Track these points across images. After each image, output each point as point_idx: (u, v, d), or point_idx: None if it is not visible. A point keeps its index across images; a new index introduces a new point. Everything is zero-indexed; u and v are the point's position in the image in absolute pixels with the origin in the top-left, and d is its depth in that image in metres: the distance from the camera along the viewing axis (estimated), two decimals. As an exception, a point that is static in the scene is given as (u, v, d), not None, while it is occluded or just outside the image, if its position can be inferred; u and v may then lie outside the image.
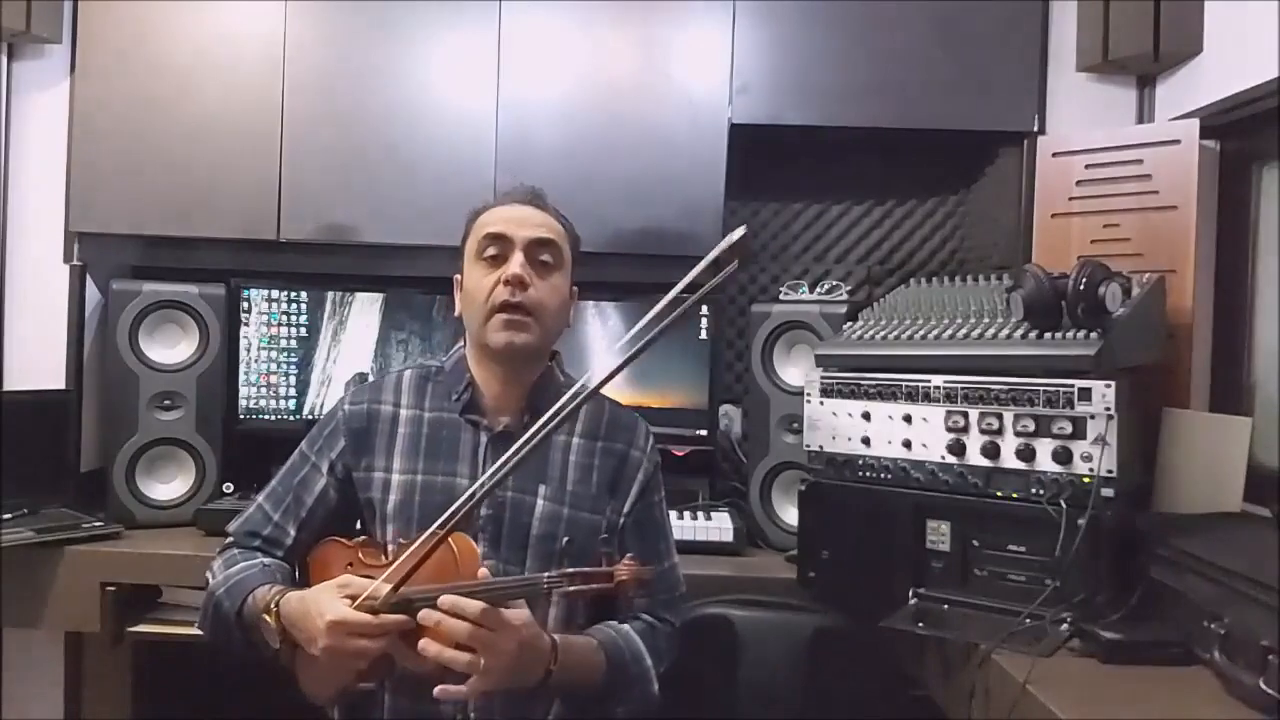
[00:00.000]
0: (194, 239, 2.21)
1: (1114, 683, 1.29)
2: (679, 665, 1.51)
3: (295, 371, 2.27)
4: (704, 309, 2.22)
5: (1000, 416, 1.55)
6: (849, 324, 1.85)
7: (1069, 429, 1.49)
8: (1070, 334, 1.54)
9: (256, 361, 2.25)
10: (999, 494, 1.56)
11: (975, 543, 1.59)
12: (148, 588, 1.98)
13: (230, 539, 1.48)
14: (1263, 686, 1.14)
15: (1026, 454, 1.52)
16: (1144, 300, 1.65)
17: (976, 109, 2.18)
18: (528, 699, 1.36)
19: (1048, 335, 1.56)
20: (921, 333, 1.70)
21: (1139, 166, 1.96)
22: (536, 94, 2.17)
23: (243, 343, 2.23)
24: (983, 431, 1.57)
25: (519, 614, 1.24)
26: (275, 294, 2.25)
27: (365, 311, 2.29)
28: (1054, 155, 2.10)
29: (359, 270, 2.30)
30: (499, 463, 1.20)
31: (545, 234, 1.43)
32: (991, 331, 1.63)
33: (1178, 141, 1.91)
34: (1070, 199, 2.06)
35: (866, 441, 1.69)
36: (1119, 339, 1.52)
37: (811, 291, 2.17)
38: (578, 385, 1.22)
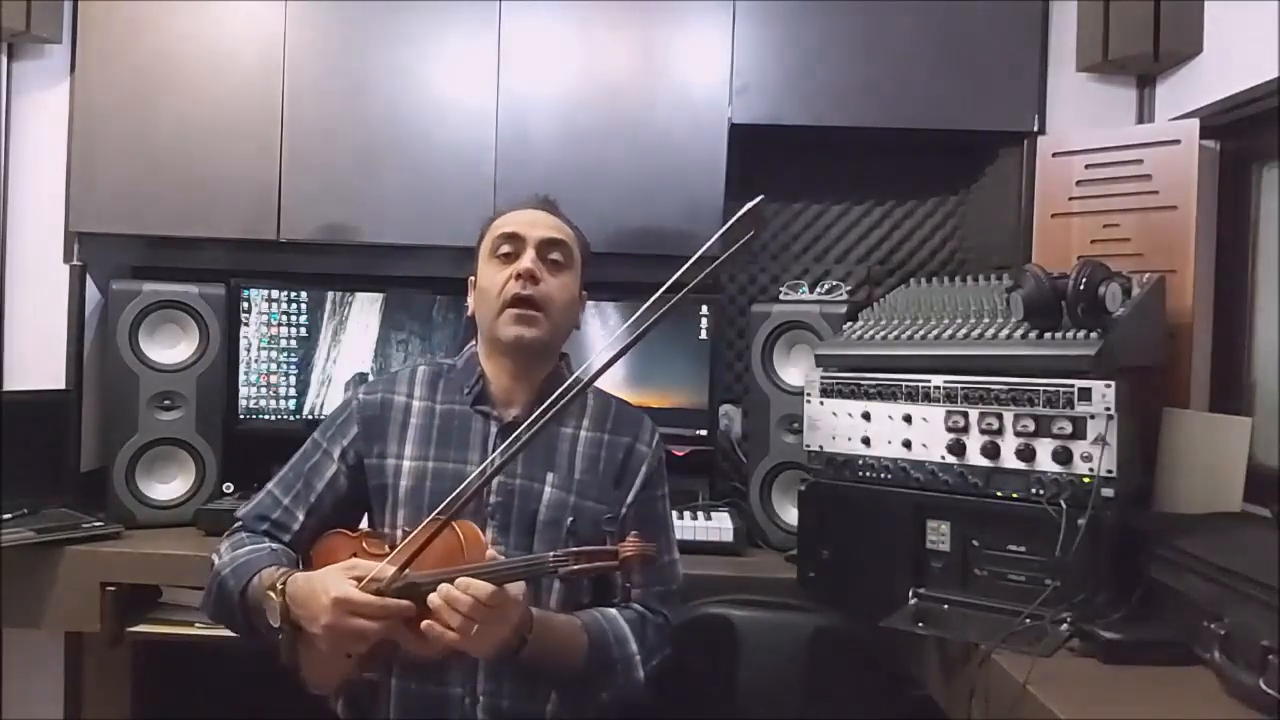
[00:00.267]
0: (194, 239, 2.21)
1: (1114, 683, 1.29)
2: (679, 665, 1.51)
3: (295, 371, 2.27)
4: (704, 309, 2.22)
5: (1000, 416, 1.55)
6: (849, 324, 1.85)
7: (1069, 429, 1.49)
8: (1070, 334, 1.54)
9: (256, 361, 2.25)
10: (999, 494, 1.56)
11: (975, 543, 1.59)
12: (148, 588, 1.98)
13: (238, 523, 1.51)
14: (1263, 686, 1.14)
15: (1026, 454, 1.52)
16: (1144, 300, 1.65)
17: (976, 109, 2.18)
18: (531, 684, 1.39)
19: (1048, 335, 1.55)
20: (921, 333, 1.70)
21: (1139, 166, 1.96)
22: (536, 94, 2.17)
23: (243, 343, 2.23)
24: (983, 431, 1.57)
25: (518, 587, 1.28)
26: (275, 294, 2.26)
27: (365, 311, 2.29)
28: (1054, 155, 2.10)
29: (359, 270, 2.30)
30: (505, 444, 1.24)
31: (557, 234, 1.51)
32: (991, 331, 1.63)
33: (1178, 141, 1.91)
34: (1070, 199, 2.06)
35: (866, 441, 1.69)
36: (1119, 339, 1.52)
37: (811, 291, 2.17)
38: (590, 362, 1.30)
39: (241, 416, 2.24)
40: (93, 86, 2.15)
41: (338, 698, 1.46)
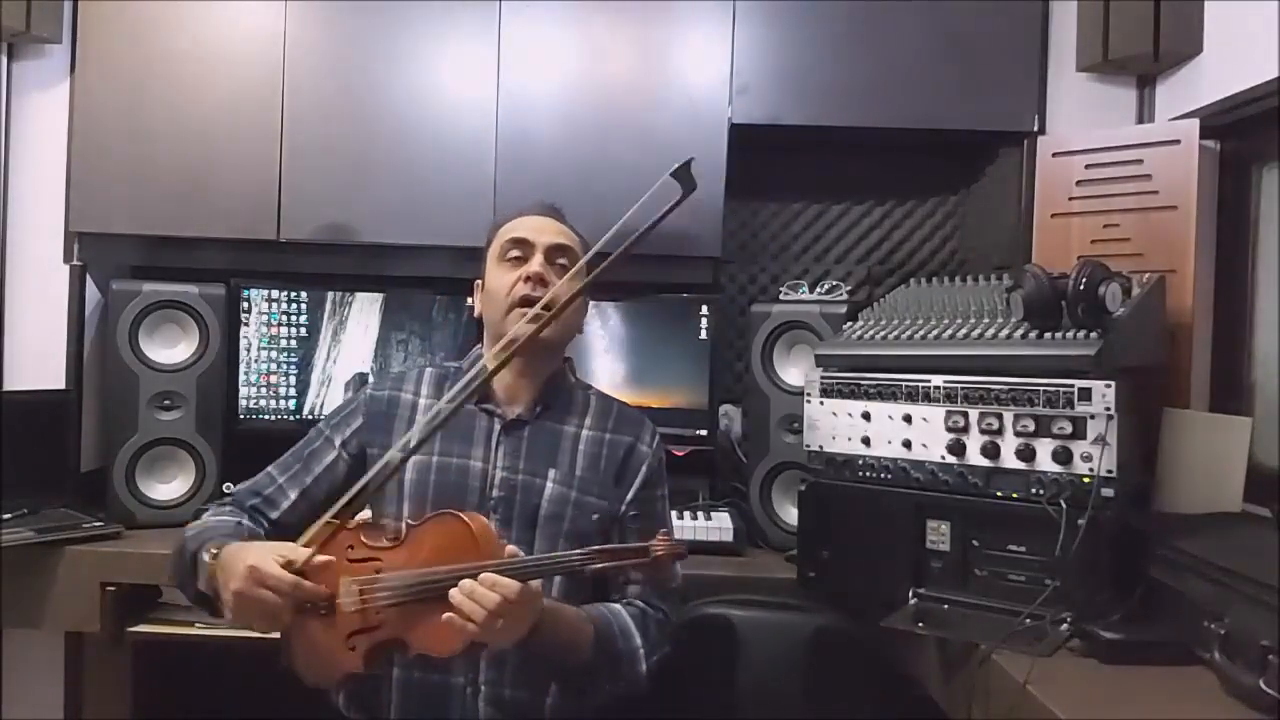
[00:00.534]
0: (194, 239, 2.20)
1: (1114, 683, 1.29)
2: (679, 665, 1.51)
3: (295, 371, 2.27)
4: (704, 309, 2.22)
5: (1000, 416, 1.55)
6: (849, 324, 1.85)
7: (1069, 429, 1.49)
8: (1070, 334, 1.54)
9: (256, 361, 2.25)
10: (999, 494, 1.56)
11: (975, 543, 1.59)
12: (148, 588, 1.98)
13: (229, 497, 1.55)
14: (1263, 686, 1.14)
15: (1026, 454, 1.52)
16: (1144, 300, 1.65)
17: (976, 109, 2.18)
18: (533, 673, 1.40)
19: (1048, 335, 1.56)
20: (921, 333, 1.70)
21: (1139, 166, 1.96)
22: (536, 94, 2.17)
23: (243, 343, 2.23)
24: (983, 431, 1.57)
25: (537, 582, 1.29)
26: (275, 294, 2.25)
27: (365, 311, 2.29)
28: (1054, 155, 2.10)
29: (359, 270, 2.30)
30: (428, 418, 1.34)
31: (564, 240, 1.56)
32: (991, 331, 1.63)
33: (1178, 141, 1.91)
34: (1070, 199, 2.06)
35: (866, 441, 1.69)
36: (1119, 339, 1.52)
37: (811, 291, 2.17)
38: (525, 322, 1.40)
39: (241, 416, 2.24)
40: (93, 86, 2.15)
41: (338, 692, 1.46)
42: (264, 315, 2.25)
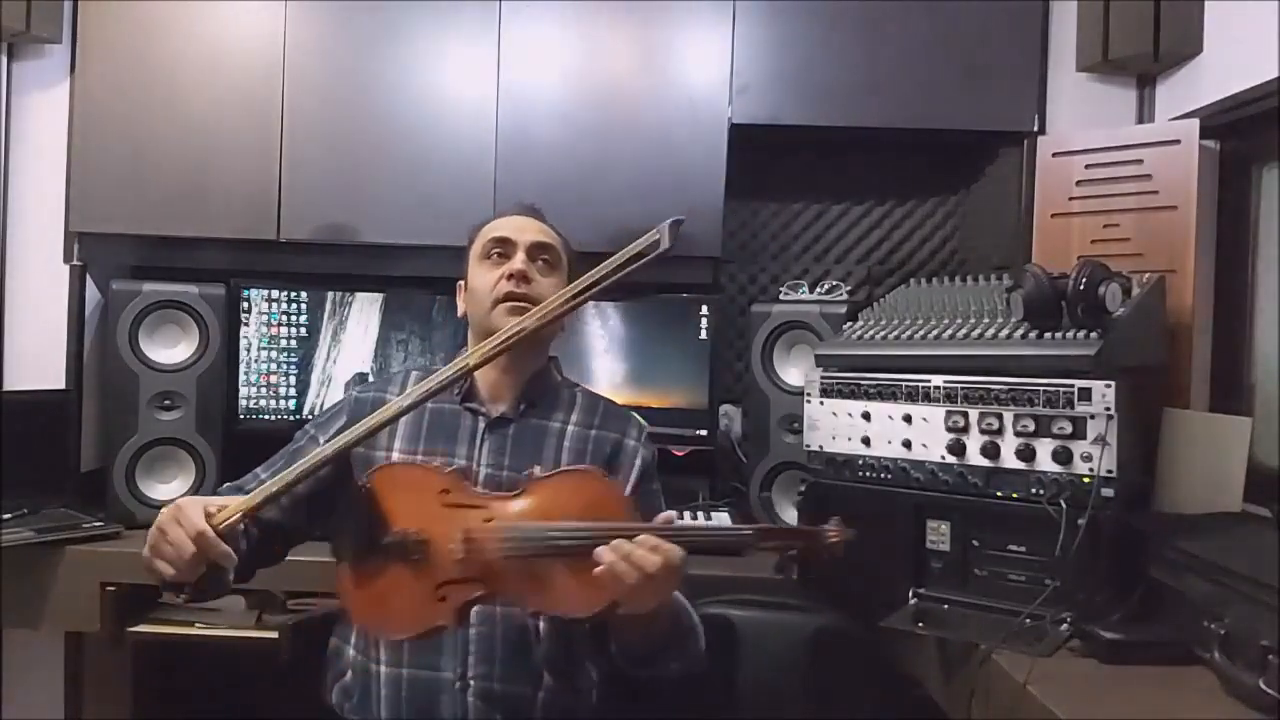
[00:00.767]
0: (194, 239, 2.20)
1: (1114, 683, 1.29)
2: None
3: (295, 371, 2.27)
4: (704, 309, 2.22)
5: (1000, 416, 1.55)
6: (849, 324, 1.85)
7: (1069, 429, 1.49)
8: (1070, 334, 1.53)
9: (256, 361, 2.25)
10: (999, 494, 1.56)
11: (975, 543, 1.59)
12: (148, 588, 1.96)
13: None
14: (1263, 686, 1.14)
15: (1026, 454, 1.52)
16: (1144, 300, 1.65)
17: (976, 109, 2.18)
18: (522, 666, 1.40)
19: (1048, 335, 1.55)
20: (921, 333, 1.70)
21: (1139, 166, 1.96)
22: (537, 94, 2.17)
23: (243, 343, 2.23)
24: (983, 431, 1.57)
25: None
26: (275, 294, 2.25)
27: (365, 311, 2.29)
28: (1054, 155, 2.10)
29: (359, 270, 2.30)
30: (404, 398, 1.31)
31: (545, 239, 1.58)
32: (991, 331, 1.63)
33: (1178, 141, 1.91)
34: (1070, 199, 2.06)
35: (866, 441, 1.69)
36: (1119, 339, 1.52)
37: (811, 291, 2.17)
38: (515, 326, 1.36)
39: (241, 416, 2.24)
40: (93, 86, 2.15)
41: (331, 684, 1.46)
42: (264, 315, 2.25)
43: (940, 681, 1.56)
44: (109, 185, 2.15)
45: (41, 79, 2.20)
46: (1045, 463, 1.51)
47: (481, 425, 1.51)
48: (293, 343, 2.27)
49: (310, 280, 2.28)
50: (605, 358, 2.24)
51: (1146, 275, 1.71)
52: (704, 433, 2.22)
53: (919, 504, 1.63)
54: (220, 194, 2.15)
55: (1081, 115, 2.16)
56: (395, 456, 1.49)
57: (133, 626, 1.95)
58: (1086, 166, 2.04)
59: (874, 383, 1.69)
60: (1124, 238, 1.96)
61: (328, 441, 1.50)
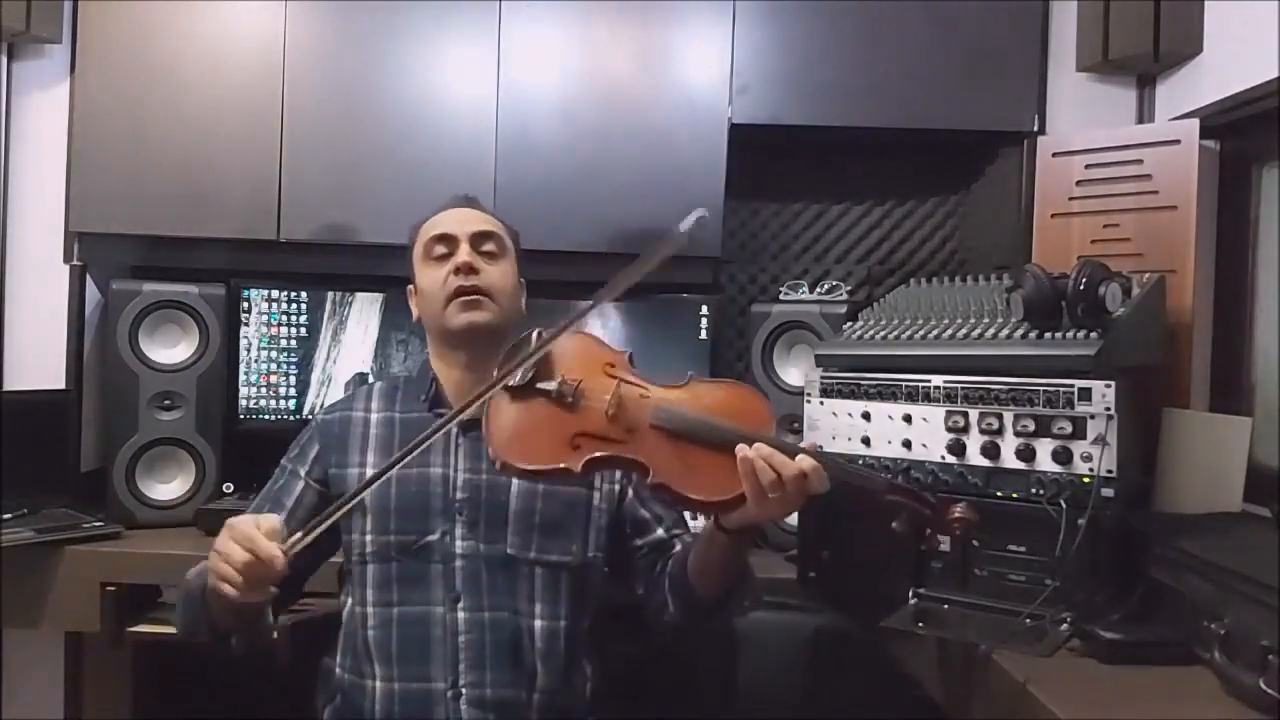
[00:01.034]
0: (194, 239, 2.20)
1: (1114, 683, 1.29)
2: (678, 665, 1.50)
3: (295, 371, 2.27)
4: (704, 309, 2.22)
5: (1000, 416, 1.55)
6: (849, 324, 1.85)
7: (1069, 429, 1.49)
8: (1070, 334, 1.54)
9: (256, 361, 2.25)
10: (999, 494, 1.56)
11: (975, 543, 1.59)
12: (148, 588, 1.98)
13: None
14: (1263, 686, 1.14)
15: (1026, 454, 1.52)
16: (1144, 300, 1.65)
17: (976, 109, 2.18)
18: (514, 672, 1.39)
19: (1048, 335, 1.56)
20: (921, 333, 1.70)
21: (1139, 166, 1.96)
22: (536, 94, 2.17)
23: (243, 343, 2.23)
24: (983, 431, 1.57)
25: None
26: (275, 294, 2.25)
27: (365, 311, 2.29)
28: (1054, 155, 2.10)
29: (359, 270, 2.30)
30: (462, 406, 1.26)
31: (487, 226, 1.53)
32: (991, 331, 1.63)
33: (1178, 141, 1.91)
34: (1070, 199, 2.06)
35: (866, 441, 1.69)
36: (1119, 339, 1.52)
37: (811, 291, 2.17)
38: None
39: (241, 416, 2.24)
40: (93, 86, 2.15)
41: (323, 706, 1.45)
42: (264, 315, 2.25)
43: (940, 681, 1.57)
44: (109, 185, 2.14)
45: (41, 79, 2.20)
46: (1045, 463, 1.51)
47: (454, 431, 1.46)
48: (293, 343, 2.27)
49: (310, 280, 2.28)
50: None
51: (1146, 275, 1.71)
52: (704, 433, 2.22)
53: (919, 504, 1.63)
54: (220, 194, 2.15)
55: (1081, 115, 2.16)
56: (369, 471, 1.45)
57: (133, 626, 1.95)
58: (1086, 166, 2.04)
59: (874, 383, 1.69)
60: (1124, 238, 1.96)
61: (308, 472, 1.48)
